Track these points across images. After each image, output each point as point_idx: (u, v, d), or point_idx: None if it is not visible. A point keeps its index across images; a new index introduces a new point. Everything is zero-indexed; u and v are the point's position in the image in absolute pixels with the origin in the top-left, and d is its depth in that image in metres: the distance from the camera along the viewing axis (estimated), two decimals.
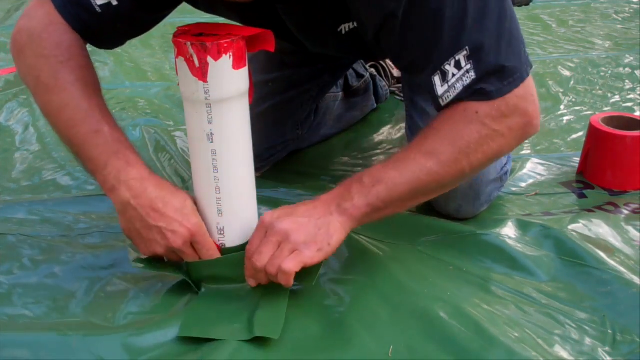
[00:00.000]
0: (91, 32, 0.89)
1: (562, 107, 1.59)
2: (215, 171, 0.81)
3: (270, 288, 0.84)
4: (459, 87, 0.81)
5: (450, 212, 1.06)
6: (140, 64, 1.90)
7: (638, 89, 1.71)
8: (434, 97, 0.84)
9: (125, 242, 0.96)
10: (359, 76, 1.47)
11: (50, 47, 0.85)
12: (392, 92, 1.65)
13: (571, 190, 1.19)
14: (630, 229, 1.03)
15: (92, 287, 0.90)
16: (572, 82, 1.74)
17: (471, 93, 0.81)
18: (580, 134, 1.42)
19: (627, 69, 1.83)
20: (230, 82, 0.77)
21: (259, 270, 0.80)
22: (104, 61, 1.88)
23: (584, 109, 1.58)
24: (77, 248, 0.99)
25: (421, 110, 1.06)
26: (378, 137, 1.44)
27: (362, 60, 1.48)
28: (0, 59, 1.83)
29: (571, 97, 1.65)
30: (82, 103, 0.85)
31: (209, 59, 0.74)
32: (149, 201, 0.81)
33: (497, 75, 0.80)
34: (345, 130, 1.45)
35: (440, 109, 0.84)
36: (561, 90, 1.69)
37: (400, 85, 1.62)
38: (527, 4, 1.22)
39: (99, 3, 0.86)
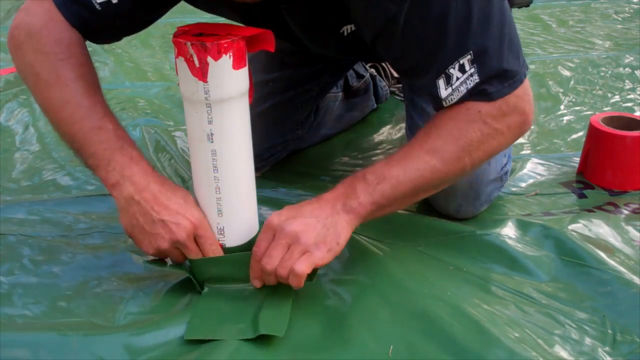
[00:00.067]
0: (90, 30, 0.89)
1: (562, 107, 1.59)
2: (215, 171, 0.81)
3: (274, 287, 0.84)
4: (463, 90, 0.82)
5: (450, 212, 1.06)
6: (140, 64, 1.90)
7: (638, 89, 1.71)
8: (436, 99, 0.84)
9: (126, 242, 0.97)
10: (359, 76, 1.47)
11: (50, 44, 0.85)
12: (392, 92, 1.65)
13: (571, 190, 1.19)
14: (630, 229, 1.03)
15: (92, 287, 0.90)
16: (572, 82, 1.74)
17: (474, 94, 0.82)
18: (580, 134, 1.42)
19: (627, 69, 1.83)
20: (230, 82, 0.77)
21: (269, 273, 0.81)
22: (104, 61, 1.89)
23: (584, 109, 1.58)
24: (77, 248, 0.99)
25: (421, 110, 1.06)
26: (378, 137, 1.44)
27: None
28: (0, 59, 1.83)
29: (571, 97, 1.65)
30: (85, 99, 0.85)
31: (209, 59, 0.74)
32: (153, 195, 0.82)
33: (499, 78, 0.82)
34: (345, 130, 1.45)
35: (441, 109, 0.85)
36: (561, 90, 1.69)
37: (400, 85, 1.62)
38: (528, 5, 1.22)
39: (98, 1, 0.86)
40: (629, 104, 1.62)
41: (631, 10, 2.50)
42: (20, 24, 0.88)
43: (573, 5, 2.57)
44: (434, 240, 1.00)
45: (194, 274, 0.86)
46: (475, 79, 0.81)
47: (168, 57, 1.95)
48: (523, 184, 1.20)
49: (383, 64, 1.62)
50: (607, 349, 0.79)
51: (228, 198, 0.83)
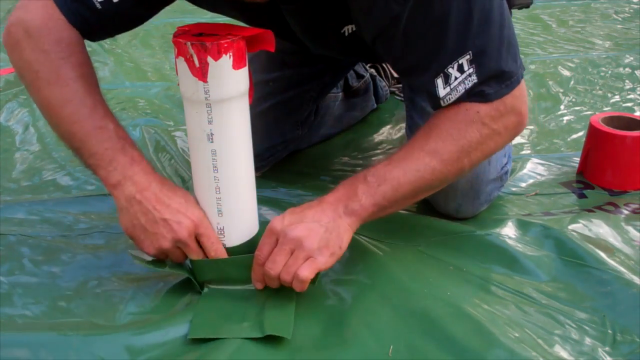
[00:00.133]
0: (90, 28, 0.89)
1: (562, 107, 1.59)
2: (215, 171, 0.81)
3: (275, 289, 0.84)
4: (461, 89, 0.82)
5: (450, 212, 1.06)
6: (140, 64, 1.90)
7: (638, 89, 1.71)
8: (434, 98, 0.85)
9: (127, 242, 0.97)
10: (359, 76, 1.47)
11: (51, 43, 0.85)
12: (392, 92, 1.65)
13: (571, 190, 1.19)
14: (630, 229, 1.03)
15: (92, 287, 0.90)
16: (572, 82, 1.74)
17: (471, 95, 0.83)
18: (580, 134, 1.42)
19: (627, 69, 1.83)
20: (230, 82, 0.77)
21: (273, 278, 0.81)
22: (104, 61, 1.89)
23: (584, 109, 1.58)
24: (77, 248, 0.99)
25: (421, 110, 1.06)
26: (378, 137, 1.44)
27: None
28: (0, 59, 1.83)
29: (571, 97, 1.65)
30: (86, 99, 0.85)
31: (209, 59, 0.74)
32: (154, 194, 0.82)
33: (497, 79, 0.83)
34: (345, 130, 1.45)
35: (439, 108, 0.85)
36: (561, 90, 1.69)
37: (400, 85, 1.62)
38: (528, 6, 1.22)
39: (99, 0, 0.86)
40: (629, 104, 1.62)
41: (631, 10, 2.50)
42: (17, 21, 0.87)
43: (573, 5, 2.58)
44: (434, 240, 1.00)
45: (195, 275, 0.86)
46: (474, 79, 0.82)
47: (168, 57, 1.95)
48: (523, 184, 1.20)
49: (383, 65, 1.62)
50: (607, 349, 0.79)
51: (228, 198, 0.83)
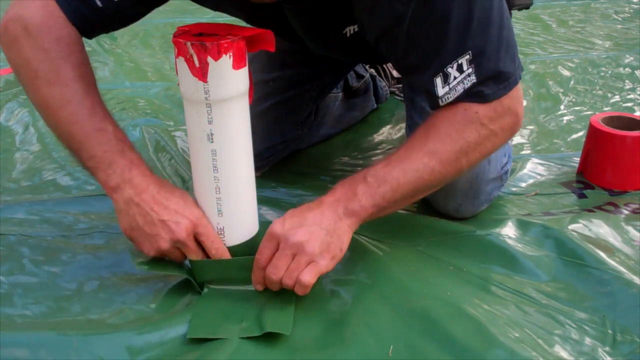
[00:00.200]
0: (89, 26, 0.89)
1: (562, 107, 1.59)
2: (215, 171, 0.81)
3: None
4: (460, 89, 0.83)
5: (449, 211, 1.06)
6: (140, 64, 1.90)
7: (638, 89, 1.71)
8: (432, 97, 0.85)
9: (127, 242, 0.96)
10: (359, 77, 1.47)
11: (51, 41, 0.84)
12: (392, 92, 1.65)
13: (571, 190, 1.19)
14: (630, 229, 1.03)
15: (92, 287, 0.90)
16: (572, 82, 1.74)
17: (470, 95, 0.83)
18: (580, 134, 1.42)
19: (627, 69, 1.83)
20: (230, 82, 0.77)
21: (275, 282, 0.81)
22: (104, 61, 1.89)
23: (584, 109, 1.58)
24: (77, 248, 0.99)
25: (421, 110, 1.06)
26: (378, 137, 1.44)
27: None
28: (1, 59, 1.83)
29: (571, 97, 1.65)
30: (85, 100, 0.85)
31: (209, 59, 0.74)
32: (152, 196, 0.82)
33: (495, 79, 0.83)
34: (345, 130, 1.45)
35: (437, 108, 0.85)
36: (561, 90, 1.69)
37: (400, 85, 1.62)
38: (528, 7, 1.22)
39: None
40: (629, 104, 1.62)
41: (631, 10, 2.50)
42: (16, 18, 0.85)
43: (573, 5, 2.58)
44: (434, 240, 1.00)
45: (194, 275, 0.86)
46: (473, 79, 0.82)
47: (168, 57, 1.95)
48: (523, 184, 1.20)
49: (383, 65, 1.62)
50: (607, 349, 0.79)
51: (228, 198, 0.83)
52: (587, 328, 0.82)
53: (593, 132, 1.21)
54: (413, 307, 0.85)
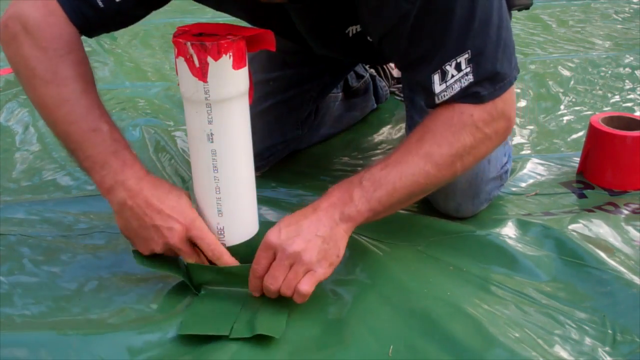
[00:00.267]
0: (90, 26, 0.89)
1: (562, 107, 1.59)
2: (215, 171, 0.81)
3: None
4: (457, 88, 0.83)
5: (449, 211, 1.06)
6: (140, 64, 1.90)
7: (638, 89, 1.71)
8: (429, 94, 0.85)
9: (127, 243, 0.96)
10: (359, 77, 1.47)
11: (50, 40, 0.84)
12: (392, 92, 1.65)
13: (571, 190, 1.19)
14: (630, 229, 1.03)
15: (92, 287, 0.90)
16: (572, 82, 1.74)
17: (466, 95, 0.83)
18: (580, 134, 1.42)
19: (627, 69, 1.83)
20: (230, 82, 0.77)
21: (272, 292, 0.81)
22: (104, 61, 1.89)
23: (584, 109, 1.58)
24: (77, 248, 0.99)
25: (421, 109, 1.06)
26: (378, 137, 1.44)
27: None
28: (0, 59, 1.83)
29: (571, 97, 1.65)
30: (82, 99, 0.84)
31: (209, 59, 0.74)
32: (145, 200, 0.81)
33: (491, 80, 0.83)
34: (345, 130, 1.45)
35: (433, 106, 0.86)
36: (561, 90, 1.69)
37: (400, 85, 1.62)
38: (528, 8, 1.22)
39: None
40: (629, 104, 1.62)
41: (631, 10, 2.50)
42: (16, 15, 0.85)
43: (573, 5, 2.58)
44: (434, 240, 1.00)
45: (191, 278, 0.86)
46: (470, 78, 0.82)
47: (168, 57, 1.95)
48: (523, 184, 1.20)
49: (383, 65, 1.62)
50: (607, 349, 0.79)
51: (228, 198, 0.83)
52: (587, 328, 0.82)
53: (593, 132, 1.21)
54: (413, 307, 0.85)
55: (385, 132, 1.46)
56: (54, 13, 0.85)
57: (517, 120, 1.50)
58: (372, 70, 1.56)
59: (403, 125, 1.41)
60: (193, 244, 0.84)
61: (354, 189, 0.82)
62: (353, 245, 0.97)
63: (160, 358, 0.76)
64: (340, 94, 1.43)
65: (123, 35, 2.10)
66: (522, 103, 1.61)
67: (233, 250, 0.86)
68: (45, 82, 0.84)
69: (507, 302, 0.87)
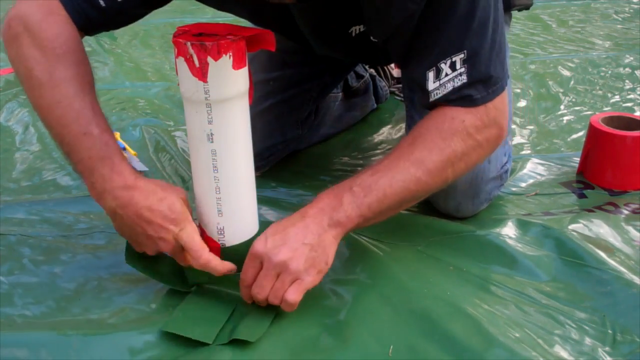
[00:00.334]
0: (91, 25, 0.89)
1: (562, 107, 1.59)
2: (215, 171, 0.81)
3: None
4: (449, 87, 0.83)
5: (449, 211, 1.06)
6: (140, 64, 1.90)
7: (638, 89, 1.71)
8: (423, 91, 0.85)
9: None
10: (359, 77, 1.47)
11: (49, 39, 0.83)
12: (392, 92, 1.65)
13: (571, 190, 1.19)
14: (630, 229, 1.03)
15: (92, 287, 0.90)
16: (572, 82, 1.74)
17: (459, 97, 0.83)
18: (580, 134, 1.42)
19: (627, 69, 1.83)
20: (230, 82, 0.77)
21: (261, 301, 0.80)
22: (104, 61, 1.89)
23: (584, 109, 1.58)
24: (77, 248, 0.99)
25: (421, 110, 1.06)
26: (378, 137, 1.44)
27: None
28: (0, 59, 1.83)
29: (571, 97, 1.65)
30: (75, 102, 0.82)
31: (209, 59, 0.74)
32: (135, 211, 0.80)
33: (484, 83, 0.84)
34: (345, 130, 1.45)
35: (427, 104, 0.86)
36: (561, 90, 1.69)
37: (400, 85, 1.62)
38: (528, 8, 1.23)
39: None
40: (629, 104, 1.62)
41: (631, 10, 2.50)
42: (18, 15, 0.85)
43: (573, 5, 2.58)
44: (434, 240, 1.00)
45: (187, 277, 0.87)
46: (463, 79, 0.82)
47: (168, 57, 1.95)
48: (523, 184, 1.20)
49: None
50: (607, 349, 0.79)
51: (228, 198, 0.83)
52: (587, 328, 0.82)
53: (593, 132, 1.21)
54: (413, 307, 0.85)
55: (385, 132, 1.46)
56: (54, 12, 0.85)
57: (517, 120, 1.50)
58: (372, 70, 1.56)
59: (403, 125, 1.41)
60: None
61: (343, 194, 0.81)
62: (353, 245, 0.97)
63: (160, 358, 0.76)
64: (340, 94, 1.43)
65: (123, 35, 2.10)
66: (522, 103, 1.61)
67: (233, 250, 0.86)
68: (41, 83, 0.83)
69: (507, 302, 0.87)
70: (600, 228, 1.03)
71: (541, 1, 2.61)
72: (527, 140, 1.41)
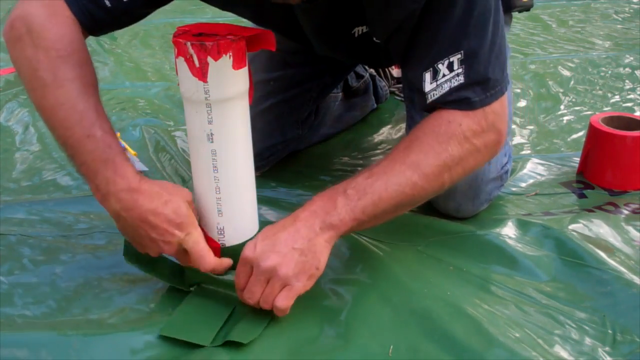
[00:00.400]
0: (96, 26, 0.88)
1: (562, 107, 1.59)
2: (215, 171, 0.81)
3: None
4: (446, 87, 0.82)
5: (449, 211, 1.06)
6: (140, 64, 1.90)
7: (638, 89, 1.71)
8: (420, 93, 0.85)
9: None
10: (359, 76, 1.47)
11: (52, 40, 0.83)
12: (392, 92, 1.65)
13: (571, 190, 1.19)
14: (630, 229, 1.03)
15: (92, 287, 0.90)
16: (572, 82, 1.74)
17: (456, 99, 0.83)
18: (580, 134, 1.42)
19: (627, 69, 1.83)
20: (230, 82, 0.77)
21: (254, 306, 0.80)
22: (104, 61, 1.89)
23: (584, 109, 1.58)
24: (77, 248, 0.99)
25: (421, 110, 1.06)
26: (378, 137, 1.44)
27: None
28: (0, 59, 1.83)
29: (571, 97, 1.65)
30: (78, 103, 0.82)
31: (209, 59, 0.74)
32: (139, 214, 0.79)
33: (482, 85, 0.83)
34: (345, 130, 1.45)
35: (425, 107, 0.85)
36: (561, 90, 1.69)
37: (400, 85, 1.62)
38: (528, 10, 1.23)
39: None
40: (629, 104, 1.62)
41: (631, 10, 2.50)
42: (21, 15, 0.84)
43: (573, 5, 2.58)
44: (434, 240, 1.00)
45: (188, 277, 0.87)
46: (461, 79, 0.82)
47: (168, 57, 1.95)
48: (523, 184, 1.20)
49: None
50: (607, 349, 0.79)
51: (228, 198, 0.83)
52: (587, 328, 0.82)
53: (593, 132, 1.21)
54: (413, 307, 0.85)
55: (385, 132, 1.46)
56: (58, 13, 0.85)
57: (517, 120, 1.50)
58: (372, 70, 1.56)
59: (403, 125, 1.41)
60: None
61: (337, 197, 0.80)
62: (353, 245, 0.97)
63: (160, 358, 0.76)
64: (340, 94, 1.43)
65: (123, 35, 2.10)
66: (522, 103, 1.61)
67: (233, 250, 0.86)
68: (45, 84, 0.82)
69: (507, 302, 0.87)
70: (600, 228, 1.03)
71: (541, 1, 2.61)
72: (527, 140, 1.41)
